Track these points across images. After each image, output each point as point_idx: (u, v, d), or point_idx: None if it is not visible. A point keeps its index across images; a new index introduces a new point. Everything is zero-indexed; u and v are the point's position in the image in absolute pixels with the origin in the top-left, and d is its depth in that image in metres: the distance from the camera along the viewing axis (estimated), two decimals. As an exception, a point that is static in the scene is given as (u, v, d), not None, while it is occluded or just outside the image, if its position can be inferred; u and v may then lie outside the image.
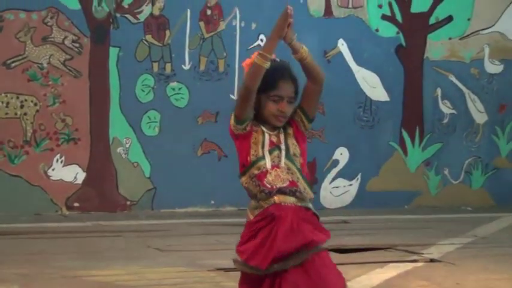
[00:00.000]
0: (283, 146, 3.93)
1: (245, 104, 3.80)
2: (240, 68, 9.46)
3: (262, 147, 3.85)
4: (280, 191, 3.84)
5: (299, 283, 3.84)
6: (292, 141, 3.96)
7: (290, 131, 3.99)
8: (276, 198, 3.85)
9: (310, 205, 3.94)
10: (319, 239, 3.92)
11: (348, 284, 6.66)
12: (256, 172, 3.84)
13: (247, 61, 3.91)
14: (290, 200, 3.86)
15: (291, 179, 3.86)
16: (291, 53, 3.89)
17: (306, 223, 3.91)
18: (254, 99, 3.80)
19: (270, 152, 3.87)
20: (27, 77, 8.77)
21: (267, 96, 3.90)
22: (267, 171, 3.83)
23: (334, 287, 4.02)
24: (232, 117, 3.84)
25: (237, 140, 3.90)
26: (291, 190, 3.86)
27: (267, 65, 3.74)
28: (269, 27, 9.89)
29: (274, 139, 3.90)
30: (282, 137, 3.95)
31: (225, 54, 9.49)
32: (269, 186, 3.81)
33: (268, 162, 3.83)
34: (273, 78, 3.87)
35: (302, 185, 3.90)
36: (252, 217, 3.90)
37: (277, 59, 3.96)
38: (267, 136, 3.86)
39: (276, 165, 3.85)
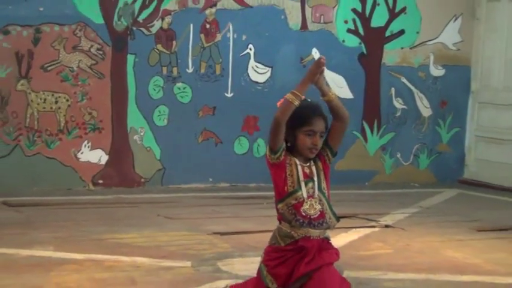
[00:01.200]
0: (315, 178, 3.89)
1: (276, 136, 3.71)
2: (234, 70, 9.51)
3: (298, 178, 3.77)
4: (310, 224, 3.77)
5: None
6: (321, 175, 3.88)
7: (320, 165, 3.91)
8: (307, 231, 3.78)
9: (328, 234, 3.90)
10: (332, 259, 3.93)
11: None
12: (293, 202, 3.78)
13: (281, 101, 3.82)
14: (316, 233, 3.81)
15: (321, 210, 3.82)
16: (320, 95, 3.88)
17: (324, 251, 3.87)
18: (284, 131, 3.69)
19: (306, 184, 3.79)
20: (60, 78, 8.73)
21: (302, 131, 3.84)
22: (303, 200, 3.78)
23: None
24: (268, 148, 3.77)
25: (272, 168, 3.82)
26: (319, 222, 3.81)
27: (297, 102, 3.67)
28: (256, 39, 9.93)
29: (307, 171, 3.88)
30: (314, 169, 3.89)
31: (220, 60, 9.46)
32: (304, 214, 3.74)
33: (304, 193, 3.78)
34: (307, 115, 3.84)
35: (328, 215, 3.84)
36: (282, 244, 3.82)
37: (309, 99, 3.88)
38: (300, 168, 3.84)
39: (311, 196, 3.78)
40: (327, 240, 3.83)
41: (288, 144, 3.78)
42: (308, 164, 3.81)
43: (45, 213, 7.43)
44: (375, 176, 10.55)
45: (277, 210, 3.79)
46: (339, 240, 6.78)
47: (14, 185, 8.44)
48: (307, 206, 3.72)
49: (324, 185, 3.83)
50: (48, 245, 6.11)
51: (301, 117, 3.74)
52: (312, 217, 3.72)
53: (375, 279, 5.63)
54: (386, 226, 7.63)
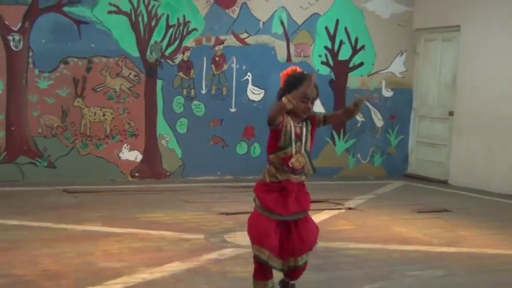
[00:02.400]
0: (304, 139, 3.88)
1: (273, 121, 3.70)
2: (236, 91, 9.55)
3: (290, 137, 3.79)
4: (293, 172, 3.80)
5: (301, 228, 3.84)
6: (309, 135, 3.92)
7: (309, 127, 3.92)
8: (289, 176, 3.81)
9: (304, 178, 3.89)
10: (308, 207, 3.99)
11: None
12: (282, 155, 3.79)
13: (284, 72, 3.92)
14: (296, 178, 3.85)
15: (304, 164, 3.84)
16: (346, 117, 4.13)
17: (302, 194, 3.93)
18: (279, 118, 3.69)
19: (295, 142, 3.79)
20: (106, 97, 8.73)
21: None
22: (291, 155, 3.81)
23: (314, 229, 4.09)
24: (268, 123, 3.76)
25: (272, 131, 3.78)
26: (299, 172, 3.84)
27: (290, 106, 3.63)
28: (253, 68, 9.85)
29: (298, 131, 3.88)
30: (304, 130, 3.87)
31: (226, 84, 9.46)
32: (290, 166, 3.80)
33: (293, 149, 3.83)
34: (302, 82, 3.76)
35: (307, 167, 3.86)
36: (268, 180, 3.83)
37: (305, 72, 3.89)
38: (293, 129, 3.83)
39: (297, 151, 3.80)
40: (302, 183, 3.87)
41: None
42: (300, 125, 3.81)
43: (95, 198, 7.42)
44: (341, 171, 10.51)
45: (269, 158, 3.81)
46: (314, 218, 6.77)
47: (71, 177, 8.39)
48: (293, 160, 3.74)
49: (309, 144, 3.86)
50: (96, 222, 6.10)
51: (297, 86, 3.68)
52: (295, 168, 3.74)
53: (341, 248, 5.64)
54: (349, 208, 7.61)
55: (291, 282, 3.99)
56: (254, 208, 3.84)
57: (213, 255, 5.14)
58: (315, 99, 3.81)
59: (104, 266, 4.67)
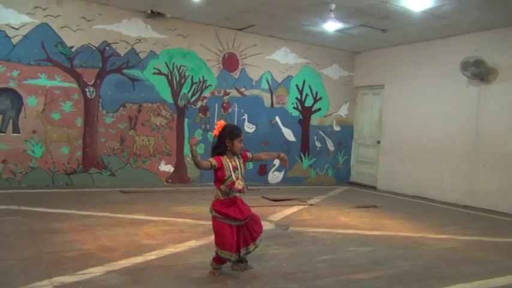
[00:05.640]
0: (239, 168, 3.84)
1: (206, 169, 3.68)
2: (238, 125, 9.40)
3: (230, 170, 3.73)
4: (237, 191, 3.76)
5: (250, 224, 3.71)
6: (242, 165, 3.87)
7: (241, 160, 3.91)
8: (235, 194, 3.78)
9: (243, 194, 3.81)
10: (251, 212, 3.87)
11: (274, 214, 6.52)
12: (229, 182, 3.70)
13: (218, 126, 3.82)
14: (238, 195, 3.80)
15: (242, 185, 3.81)
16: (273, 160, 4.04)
17: (245, 205, 3.85)
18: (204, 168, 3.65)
19: (234, 172, 3.74)
20: (151, 129, 8.65)
21: (237, 140, 3.81)
22: (234, 182, 3.73)
23: (259, 225, 3.91)
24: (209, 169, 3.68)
25: (216, 171, 3.72)
26: (240, 191, 3.77)
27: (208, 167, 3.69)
28: (248, 111, 9.74)
29: (234, 164, 3.81)
30: (237, 162, 3.85)
31: (231, 121, 9.36)
32: (236, 188, 3.76)
33: (234, 177, 3.73)
34: (239, 131, 3.78)
35: (245, 187, 3.79)
36: (222, 198, 3.74)
37: (234, 124, 3.99)
38: (230, 164, 3.77)
39: (237, 178, 3.73)
40: (241, 198, 3.76)
41: (228, 149, 3.71)
42: (234, 158, 3.74)
43: (141, 196, 7.30)
44: (306, 179, 10.41)
45: (219, 187, 3.70)
46: (285, 212, 6.68)
47: (125, 182, 8.29)
48: (237, 183, 3.68)
49: (243, 171, 3.78)
50: (141, 213, 5.99)
51: (236, 133, 3.70)
52: (239, 189, 3.67)
53: (304, 231, 5.52)
54: (311, 205, 7.51)
55: (245, 258, 3.93)
56: (213, 218, 3.72)
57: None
58: (243, 140, 3.79)
59: (144, 243, 4.57)
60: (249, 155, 3.86)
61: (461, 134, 8.62)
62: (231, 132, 3.71)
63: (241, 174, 3.73)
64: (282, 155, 4.07)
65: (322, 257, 4.42)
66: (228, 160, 3.69)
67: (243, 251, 3.78)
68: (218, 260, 3.74)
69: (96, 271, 3.61)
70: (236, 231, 3.69)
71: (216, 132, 3.77)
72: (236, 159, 3.74)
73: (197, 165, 3.61)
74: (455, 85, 8.74)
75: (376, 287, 3.68)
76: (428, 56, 9.30)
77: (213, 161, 3.65)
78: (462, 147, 8.61)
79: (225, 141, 3.71)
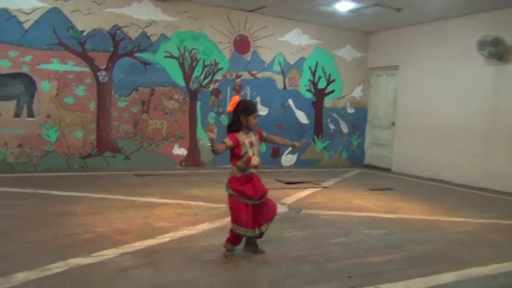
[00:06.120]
0: (255, 145, 3.83)
1: (223, 152, 3.67)
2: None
3: (246, 146, 3.70)
4: (253, 168, 3.76)
5: (264, 206, 3.71)
6: (258, 142, 3.85)
7: (257, 137, 3.90)
8: (252, 170, 3.76)
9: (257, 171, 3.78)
10: (267, 190, 3.87)
11: (287, 197, 6.52)
12: (246, 158, 3.71)
13: (232, 102, 3.78)
14: (255, 171, 3.80)
15: (258, 161, 3.82)
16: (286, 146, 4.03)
17: (260, 183, 3.84)
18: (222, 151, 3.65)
19: (251, 147, 3.75)
20: (163, 113, 8.66)
21: (251, 116, 3.79)
22: (250, 158, 3.74)
23: (274, 208, 3.89)
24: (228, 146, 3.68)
25: (233, 148, 3.71)
26: (256, 167, 3.77)
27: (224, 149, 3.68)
28: (261, 93, 9.71)
29: (250, 139, 3.80)
30: (253, 138, 3.84)
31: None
32: (252, 164, 3.74)
33: (250, 153, 3.72)
34: (254, 107, 3.75)
35: (260, 163, 3.80)
36: (238, 175, 3.74)
37: (248, 99, 3.98)
38: (247, 140, 3.74)
39: (254, 154, 3.73)
40: (257, 174, 3.76)
41: (244, 125, 3.69)
42: (250, 134, 3.73)
43: (155, 179, 7.35)
44: (320, 162, 10.37)
45: (235, 164, 3.70)
46: (300, 195, 6.67)
47: (139, 165, 8.35)
48: (253, 160, 3.66)
49: (258, 147, 3.78)
50: (155, 196, 6.03)
51: (251, 109, 3.68)
52: (254, 164, 3.66)
53: (317, 214, 5.51)
54: (324, 187, 7.48)
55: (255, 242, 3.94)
56: (229, 196, 3.72)
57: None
58: (257, 116, 3.78)
59: (158, 225, 4.59)
60: (264, 134, 3.84)
61: (478, 115, 8.47)
62: (245, 108, 3.68)
63: (257, 151, 3.74)
64: (297, 144, 4.07)
65: (335, 240, 4.40)
66: (244, 136, 3.69)
67: (257, 230, 3.78)
68: (232, 240, 3.76)
69: (110, 253, 3.65)
70: (252, 210, 3.70)
71: (230, 108, 3.75)
72: (252, 135, 3.73)
73: (214, 152, 3.61)
74: (471, 65, 8.55)
75: (389, 270, 3.65)
76: (444, 35, 9.10)
77: (228, 141, 3.63)
78: (478, 128, 8.46)
79: (240, 118, 3.68)
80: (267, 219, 3.79)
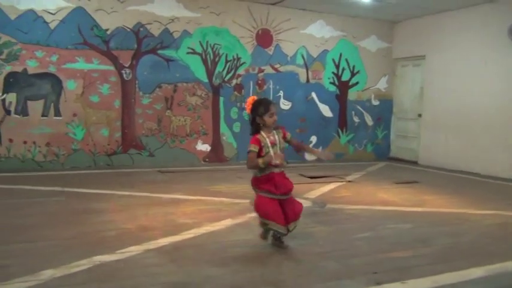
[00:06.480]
0: (277, 143, 3.79)
1: (253, 164, 3.68)
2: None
3: (268, 146, 3.68)
4: (275, 167, 3.72)
5: (289, 204, 3.65)
6: (281, 140, 3.80)
7: (280, 135, 3.85)
8: (273, 170, 3.73)
9: (283, 169, 3.75)
10: (292, 187, 3.84)
11: (311, 192, 6.47)
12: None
13: (248, 102, 3.80)
14: (277, 170, 3.76)
15: (280, 160, 3.72)
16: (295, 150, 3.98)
17: (285, 180, 3.81)
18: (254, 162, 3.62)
19: (272, 147, 3.71)
20: (187, 109, 8.72)
21: (267, 115, 3.76)
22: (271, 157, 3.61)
23: (299, 206, 3.85)
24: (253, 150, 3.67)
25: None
26: (277, 166, 3.73)
27: (262, 166, 3.64)
28: (284, 88, 9.68)
29: (272, 138, 3.76)
30: (276, 137, 3.81)
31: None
32: (273, 164, 3.69)
33: (272, 153, 3.67)
34: (267, 106, 3.70)
35: (282, 162, 3.73)
36: (259, 175, 3.72)
37: (262, 97, 3.95)
38: (268, 140, 3.71)
39: (275, 152, 3.69)
40: (283, 173, 3.73)
41: (261, 125, 3.67)
42: (272, 133, 3.69)
43: (179, 176, 7.40)
44: (344, 156, 10.25)
45: (259, 163, 3.66)
46: (323, 189, 6.62)
47: (164, 162, 8.43)
48: (274, 160, 3.62)
49: (282, 146, 3.73)
50: (179, 192, 6.07)
51: (265, 108, 3.65)
52: (276, 163, 3.63)
53: (342, 208, 5.45)
54: (349, 181, 7.40)
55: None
56: (256, 195, 3.73)
57: (253, 214, 4.96)
58: (275, 113, 3.73)
59: (182, 221, 4.62)
60: (288, 136, 3.81)
61: (509, 105, 8.20)
62: (257, 110, 3.69)
63: (280, 149, 3.70)
64: (324, 156, 4.02)
65: (360, 235, 4.34)
66: (265, 136, 3.67)
67: (289, 227, 3.78)
68: (264, 234, 3.89)
69: (135, 250, 3.69)
70: (277, 204, 3.68)
71: (247, 110, 3.76)
72: (275, 134, 3.71)
73: (255, 168, 3.65)
74: (501, 53, 8.28)
75: (416, 265, 3.57)
76: (473, 22, 8.83)
77: (255, 147, 3.63)
78: (510, 119, 8.20)
79: (256, 119, 3.69)
80: (293, 218, 3.77)
